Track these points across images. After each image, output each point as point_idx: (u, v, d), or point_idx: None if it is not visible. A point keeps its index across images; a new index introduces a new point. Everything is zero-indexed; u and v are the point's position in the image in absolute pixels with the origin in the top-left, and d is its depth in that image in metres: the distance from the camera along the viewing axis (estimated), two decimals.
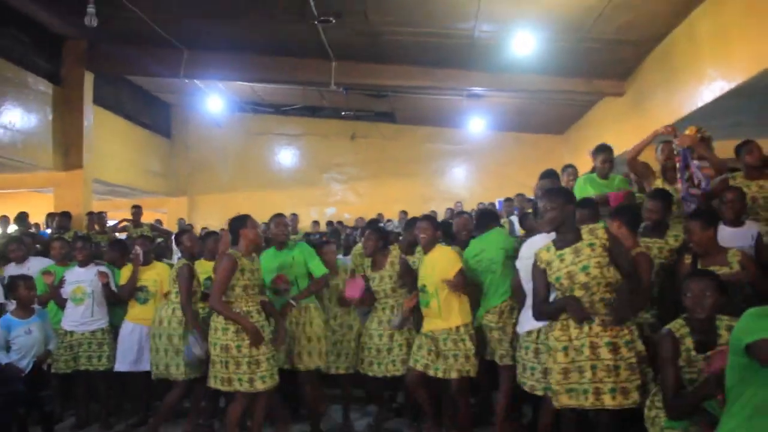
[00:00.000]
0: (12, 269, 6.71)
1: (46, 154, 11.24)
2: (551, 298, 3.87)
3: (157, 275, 6.03)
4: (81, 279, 6.07)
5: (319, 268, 5.42)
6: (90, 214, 10.34)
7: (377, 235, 5.57)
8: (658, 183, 5.64)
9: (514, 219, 6.99)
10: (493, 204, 12.30)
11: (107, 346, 5.99)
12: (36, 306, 5.56)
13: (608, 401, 3.59)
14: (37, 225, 11.64)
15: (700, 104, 8.43)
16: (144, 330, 5.82)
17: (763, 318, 2.62)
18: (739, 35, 7.51)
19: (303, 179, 16.91)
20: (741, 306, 2.95)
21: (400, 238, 6.74)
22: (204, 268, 5.83)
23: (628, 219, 4.46)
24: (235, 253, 4.76)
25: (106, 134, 13.18)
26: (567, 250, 3.75)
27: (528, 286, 4.20)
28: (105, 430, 5.94)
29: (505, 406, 4.95)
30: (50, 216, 10.56)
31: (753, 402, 2.64)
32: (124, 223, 10.33)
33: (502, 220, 8.43)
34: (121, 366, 5.89)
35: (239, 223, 4.92)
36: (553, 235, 3.92)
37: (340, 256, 6.54)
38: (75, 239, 6.76)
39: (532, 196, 9.21)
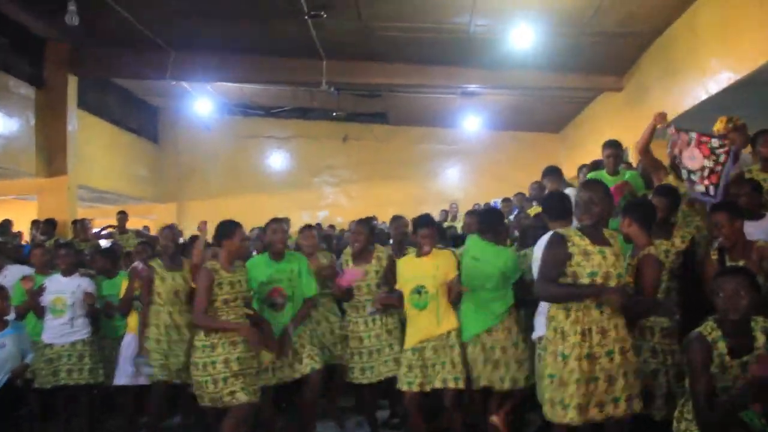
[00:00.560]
0: None
1: (29, 160, 10.90)
2: None
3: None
4: (62, 289, 5.75)
5: (309, 288, 5.08)
6: (74, 221, 10.01)
7: (367, 229, 5.34)
8: (671, 179, 5.36)
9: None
10: (488, 205, 12.02)
11: (89, 359, 5.69)
12: (11, 318, 5.23)
13: (623, 409, 3.39)
14: (20, 234, 11.29)
15: (703, 97, 8.20)
16: None
17: None
18: (744, 25, 7.29)
19: (294, 182, 16.65)
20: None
21: (390, 241, 6.43)
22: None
23: (639, 215, 4.13)
24: (213, 265, 4.51)
25: (92, 139, 12.88)
26: (607, 250, 3.48)
27: None
28: None
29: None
30: (34, 224, 10.27)
31: None
32: (109, 230, 10.02)
33: (535, 204, 8.17)
34: (119, 380, 5.64)
35: (227, 231, 4.63)
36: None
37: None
38: (57, 246, 6.45)
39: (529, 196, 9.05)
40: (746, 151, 5.43)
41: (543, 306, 4.09)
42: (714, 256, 4.11)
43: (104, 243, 9.35)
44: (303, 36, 10.00)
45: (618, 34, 9.36)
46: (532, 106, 13.75)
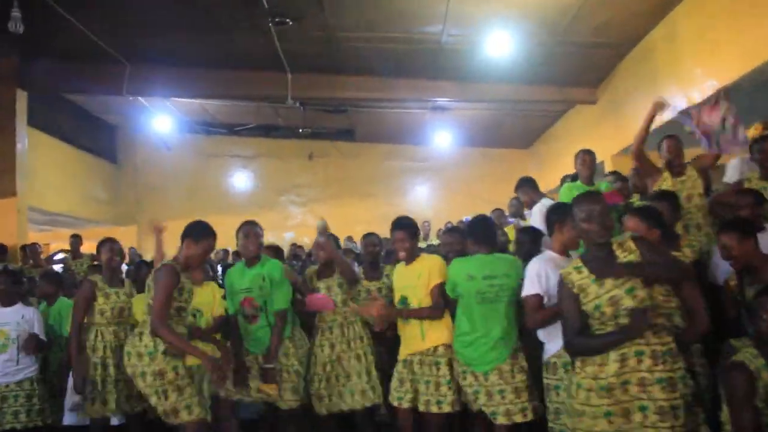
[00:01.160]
0: None
1: None
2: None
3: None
4: (4, 321, 5.15)
5: (279, 301, 4.52)
6: (23, 247, 9.36)
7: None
8: (667, 179, 5.04)
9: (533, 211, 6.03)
10: (461, 222, 11.67)
11: (38, 399, 5.10)
12: None
13: None
14: None
15: (684, 106, 7.94)
16: None
17: None
18: (725, 32, 7.12)
19: (259, 203, 16.24)
20: None
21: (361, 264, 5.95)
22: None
23: (647, 213, 3.75)
24: (175, 264, 4.02)
25: (43, 158, 12.30)
26: (607, 283, 2.98)
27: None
28: None
29: None
30: None
31: None
32: (61, 255, 9.39)
33: (513, 222, 7.72)
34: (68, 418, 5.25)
35: (199, 233, 4.16)
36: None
37: None
38: None
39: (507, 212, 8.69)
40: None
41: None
42: (732, 282, 3.72)
43: (57, 269, 8.75)
44: (267, 48, 9.55)
45: (593, 44, 9.13)
46: (502, 121, 13.52)
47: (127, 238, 15.44)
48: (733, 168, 6.03)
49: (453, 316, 4.24)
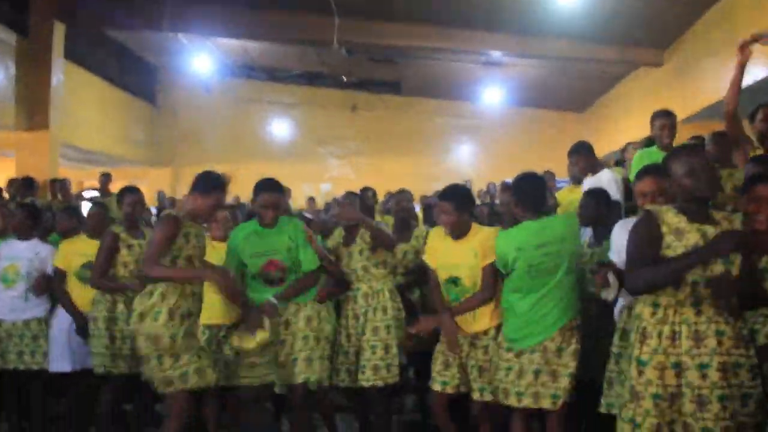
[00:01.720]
0: None
1: (8, 113, 10.04)
2: None
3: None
4: (17, 255, 4.88)
5: (308, 262, 4.06)
6: (53, 181, 9.14)
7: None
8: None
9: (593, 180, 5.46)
10: (504, 182, 11.20)
11: (44, 341, 4.82)
12: None
13: None
14: None
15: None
16: None
17: None
18: None
19: (297, 152, 16.07)
20: None
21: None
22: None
23: None
24: (177, 213, 3.78)
25: (80, 94, 12.14)
26: (711, 230, 2.57)
27: None
28: None
29: None
30: (11, 182, 9.41)
31: None
32: (91, 192, 9.19)
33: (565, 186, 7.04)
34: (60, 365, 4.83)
35: (208, 185, 3.79)
36: None
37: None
38: (18, 207, 5.56)
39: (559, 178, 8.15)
40: None
41: None
42: None
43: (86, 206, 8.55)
44: None
45: (667, 0, 8.49)
46: (557, 81, 13.01)
47: (161, 180, 15.49)
48: None
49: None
